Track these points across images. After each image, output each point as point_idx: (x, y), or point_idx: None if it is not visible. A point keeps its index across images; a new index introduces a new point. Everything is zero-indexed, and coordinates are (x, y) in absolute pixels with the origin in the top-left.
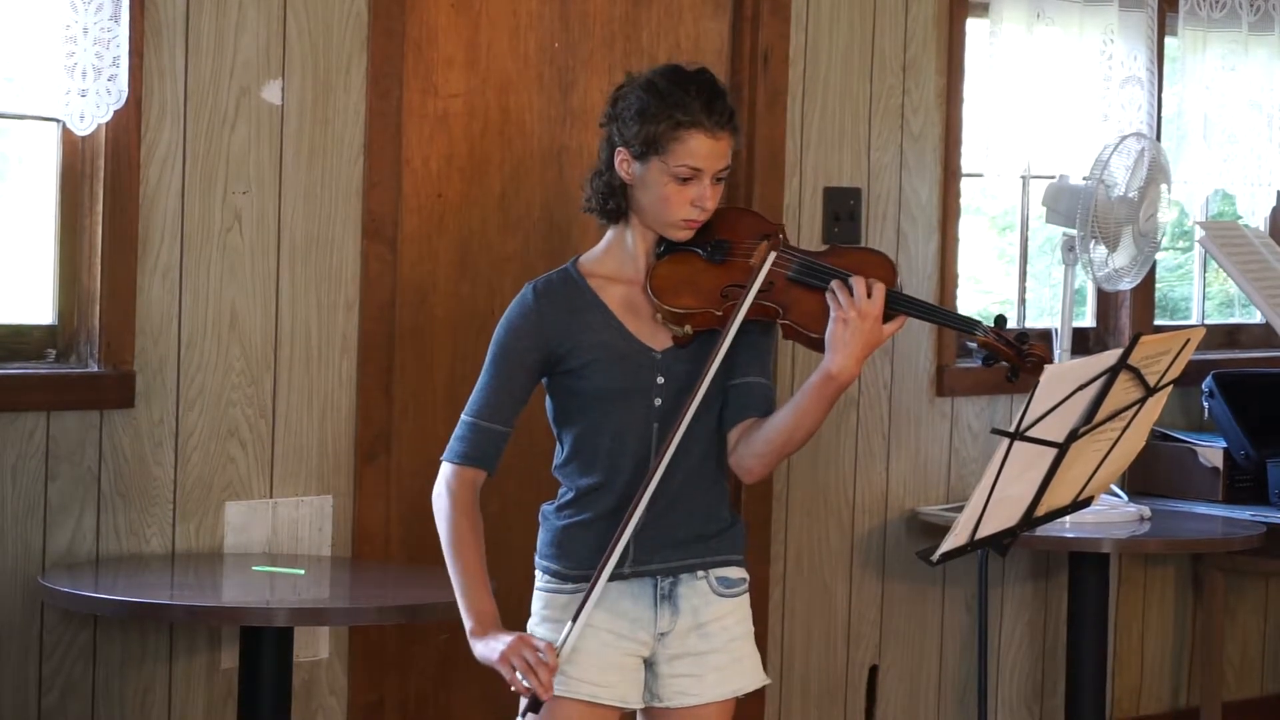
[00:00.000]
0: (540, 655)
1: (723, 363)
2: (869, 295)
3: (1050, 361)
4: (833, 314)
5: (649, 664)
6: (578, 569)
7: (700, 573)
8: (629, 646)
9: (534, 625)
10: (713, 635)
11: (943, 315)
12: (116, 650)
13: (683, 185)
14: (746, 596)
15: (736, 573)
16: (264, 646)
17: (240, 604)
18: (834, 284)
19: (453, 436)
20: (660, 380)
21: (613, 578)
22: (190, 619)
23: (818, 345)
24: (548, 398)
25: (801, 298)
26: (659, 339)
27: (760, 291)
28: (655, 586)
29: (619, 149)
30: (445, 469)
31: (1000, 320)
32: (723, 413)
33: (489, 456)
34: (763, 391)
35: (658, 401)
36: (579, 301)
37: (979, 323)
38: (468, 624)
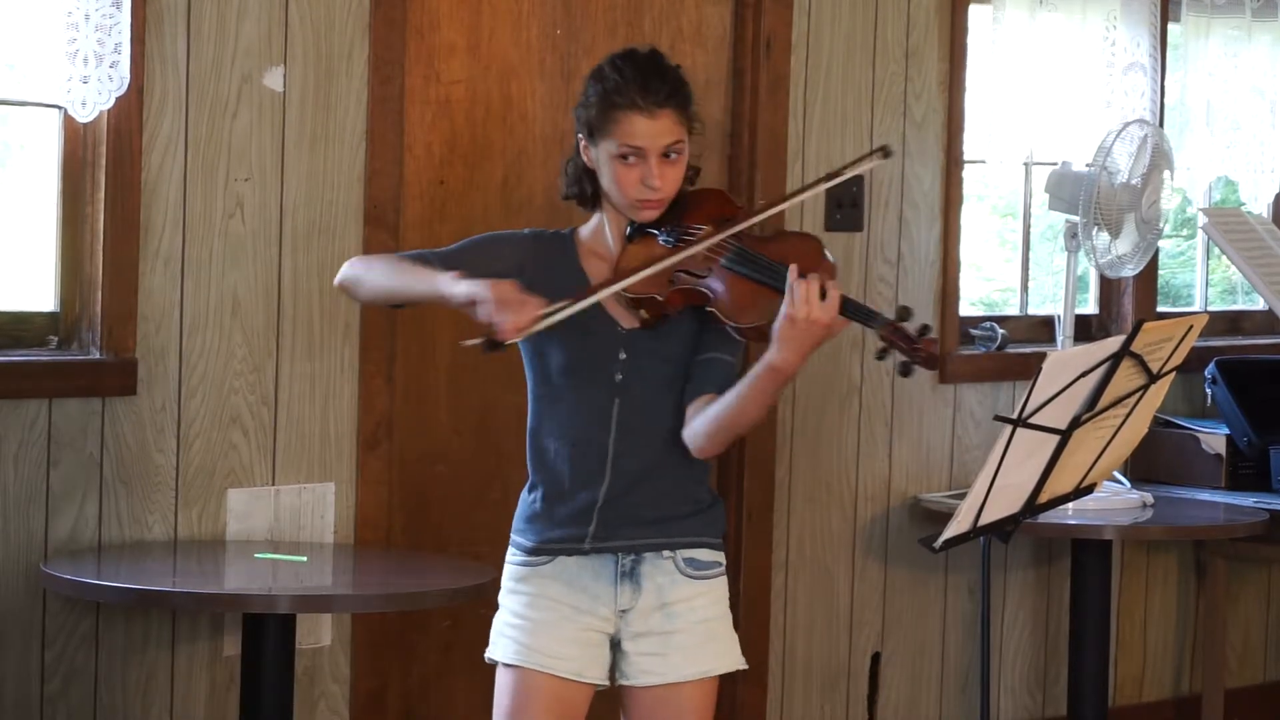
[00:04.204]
0: (524, 298)
1: (692, 339)
2: (823, 298)
3: (937, 360)
4: (784, 310)
5: (615, 643)
6: (535, 542)
7: (666, 552)
8: (588, 621)
9: (503, 596)
10: (678, 616)
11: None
12: (119, 637)
13: (628, 166)
14: (722, 580)
15: (708, 555)
16: (266, 633)
17: (242, 591)
18: (790, 278)
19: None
20: (622, 355)
21: (573, 554)
22: (193, 606)
23: (739, 334)
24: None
25: (733, 285)
26: (628, 318)
27: (695, 276)
28: (616, 563)
29: (578, 135)
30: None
31: (903, 313)
32: (684, 387)
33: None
34: (722, 368)
35: (618, 377)
36: (562, 265)
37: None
38: (444, 285)
